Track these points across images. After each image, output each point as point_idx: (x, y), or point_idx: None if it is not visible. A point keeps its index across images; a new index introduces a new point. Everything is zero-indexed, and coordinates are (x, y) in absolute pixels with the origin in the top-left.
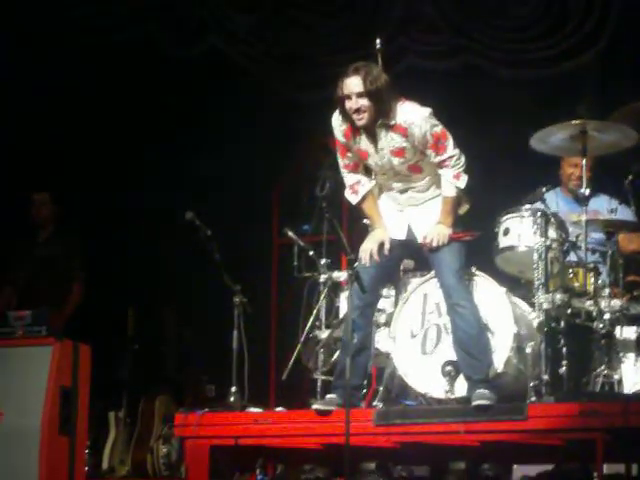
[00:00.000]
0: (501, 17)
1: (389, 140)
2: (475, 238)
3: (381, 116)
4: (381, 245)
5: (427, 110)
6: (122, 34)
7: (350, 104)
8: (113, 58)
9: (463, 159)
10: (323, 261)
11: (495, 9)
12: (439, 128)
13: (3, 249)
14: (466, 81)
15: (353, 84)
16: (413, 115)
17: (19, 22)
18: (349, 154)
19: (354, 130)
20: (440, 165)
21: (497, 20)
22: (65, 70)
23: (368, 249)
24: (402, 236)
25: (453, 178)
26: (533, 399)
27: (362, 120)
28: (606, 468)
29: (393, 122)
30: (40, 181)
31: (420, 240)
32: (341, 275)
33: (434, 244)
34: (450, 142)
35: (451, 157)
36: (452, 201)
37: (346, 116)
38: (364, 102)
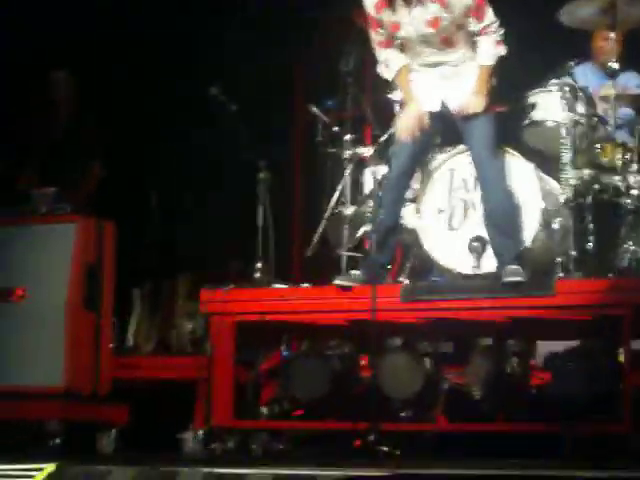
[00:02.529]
0: None
1: (424, 9)
2: (509, 109)
3: None
4: (418, 120)
5: None
6: None
7: None
8: None
9: (502, 29)
10: (347, 137)
11: None
12: None
13: (22, 128)
14: None
15: None
16: None
17: None
18: (381, 29)
19: (385, 1)
20: (480, 32)
21: None
22: None
23: (406, 125)
24: (436, 108)
25: (495, 44)
26: (560, 275)
27: None
28: (632, 344)
29: None
30: (61, 57)
31: (455, 108)
32: (365, 150)
33: (469, 111)
34: (490, 9)
35: (493, 23)
36: (489, 70)
37: None
38: None
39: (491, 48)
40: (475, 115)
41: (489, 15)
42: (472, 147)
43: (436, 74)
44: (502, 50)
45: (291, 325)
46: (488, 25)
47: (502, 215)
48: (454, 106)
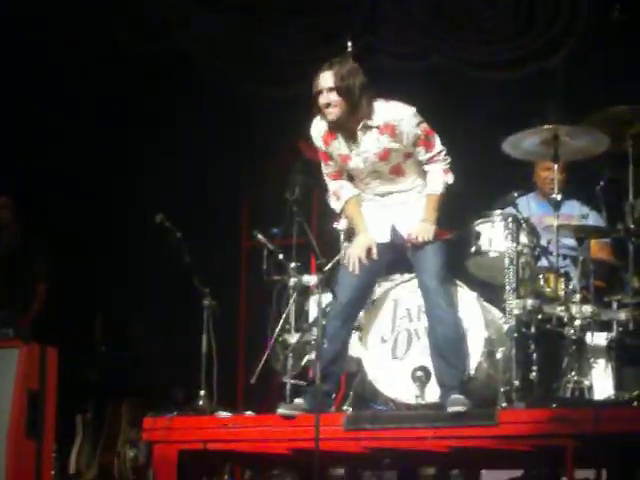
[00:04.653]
0: (468, 19)
1: (373, 141)
2: (457, 236)
3: (353, 114)
4: (368, 250)
5: (412, 108)
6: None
7: (321, 99)
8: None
9: (449, 156)
10: (292, 265)
11: (462, 10)
12: (426, 124)
13: None
14: (434, 82)
15: (325, 79)
16: (401, 112)
17: None
18: (331, 162)
19: (333, 134)
20: (429, 161)
21: (464, 21)
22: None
23: (354, 255)
24: (386, 238)
25: (443, 173)
26: (503, 405)
27: (331, 115)
28: (576, 473)
29: (377, 123)
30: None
31: (405, 236)
32: (310, 279)
33: (419, 239)
34: (437, 138)
35: (440, 152)
36: (438, 198)
37: (321, 114)
38: (334, 97)
39: (440, 176)
40: (425, 243)
41: (437, 144)
42: (421, 275)
43: (385, 203)
44: (450, 178)
45: (234, 454)
46: (437, 153)
47: (448, 344)
48: (404, 235)
